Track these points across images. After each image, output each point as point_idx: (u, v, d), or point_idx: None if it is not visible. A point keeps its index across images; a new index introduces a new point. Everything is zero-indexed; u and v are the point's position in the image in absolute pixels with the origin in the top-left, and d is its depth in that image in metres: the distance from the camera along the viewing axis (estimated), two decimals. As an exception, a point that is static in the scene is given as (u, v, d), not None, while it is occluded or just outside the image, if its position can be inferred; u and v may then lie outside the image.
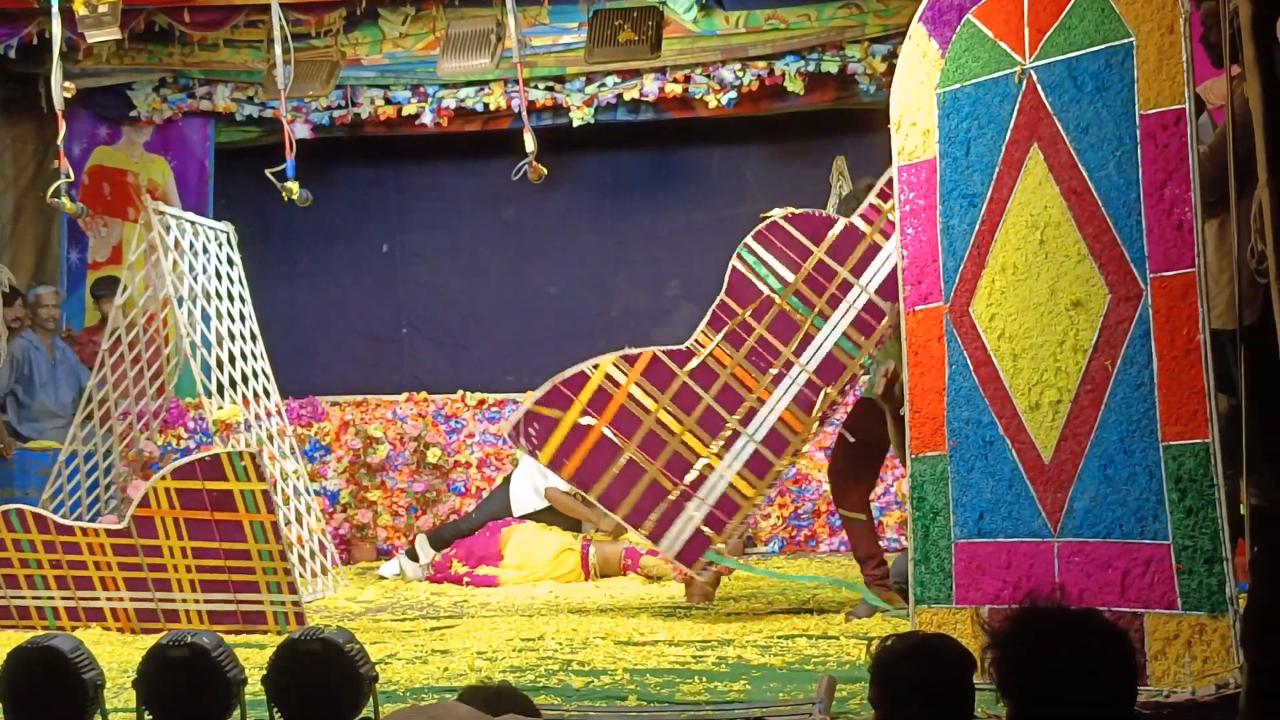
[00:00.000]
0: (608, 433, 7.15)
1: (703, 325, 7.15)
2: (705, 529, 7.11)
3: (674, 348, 7.14)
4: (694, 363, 7.13)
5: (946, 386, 5.43)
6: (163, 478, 7.50)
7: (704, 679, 5.68)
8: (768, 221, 7.10)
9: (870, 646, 3.23)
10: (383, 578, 9.50)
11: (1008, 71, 5.28)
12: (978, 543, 5.32)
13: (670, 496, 7.12)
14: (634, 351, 7.20)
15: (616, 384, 7.14)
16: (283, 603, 7.33)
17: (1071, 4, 5.10)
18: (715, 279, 10.98)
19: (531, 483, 9.47)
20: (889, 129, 5.72)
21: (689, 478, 7.11)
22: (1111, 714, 2.69)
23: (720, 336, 7.13)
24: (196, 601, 7.42)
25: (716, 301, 7.15)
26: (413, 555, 9.54)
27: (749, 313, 7.13)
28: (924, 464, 5.50)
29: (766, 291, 7.12)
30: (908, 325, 5.60)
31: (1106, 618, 2.81)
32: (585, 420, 7.16)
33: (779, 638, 6.63)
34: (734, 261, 7.14)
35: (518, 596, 8.63)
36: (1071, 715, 2.68)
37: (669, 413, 7.13)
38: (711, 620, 7.24)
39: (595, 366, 7.15)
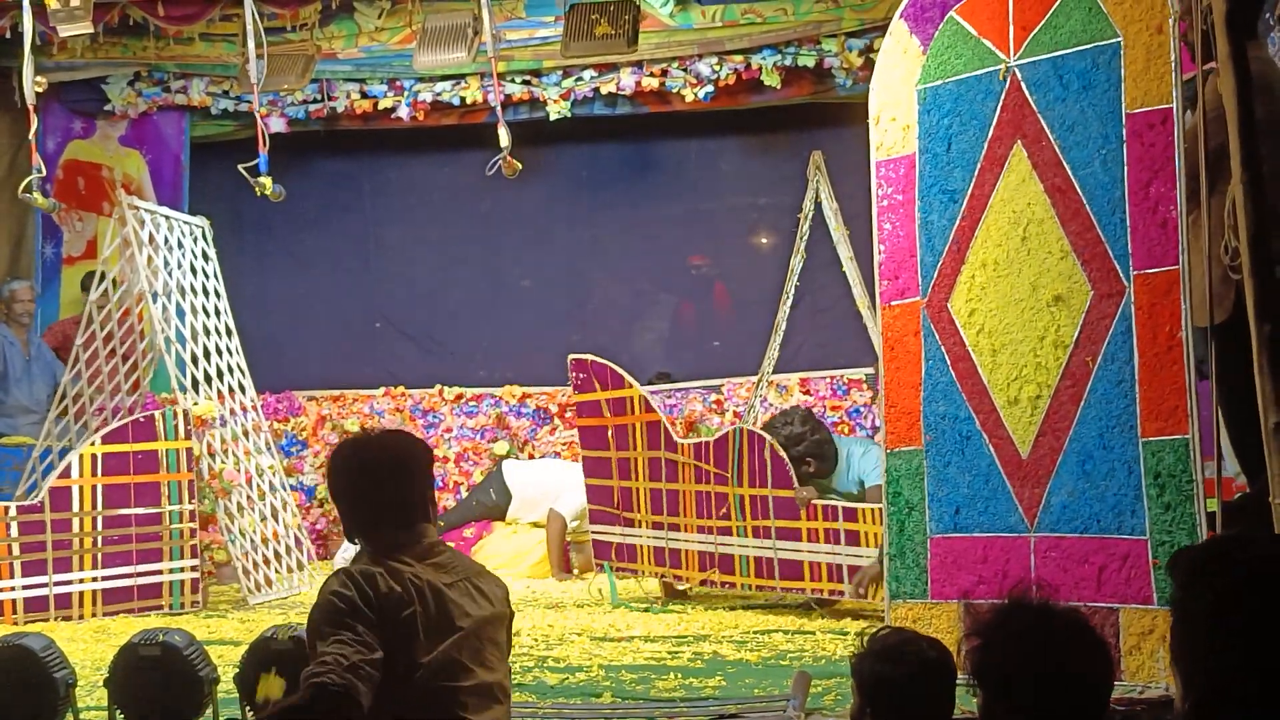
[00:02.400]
0: (610, 431, 8.05)
1: (692, 440, 7.77)
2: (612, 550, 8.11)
3: (672, 431, 7.83)
4: (668, 453, 7.74)
5: (923, 381, 5.43)
6: (92, 443, 7.78)
7: (679, 675, 5.68)
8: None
9: (863, 640, 3.23)
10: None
11: (992, 69, 5.28)
12: (953, 538, 5.32)
13: (611, 509, 8.08)
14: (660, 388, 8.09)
15: (633, 410, 7.95)
16: (181, 569, 7.72)
17: (1058, 3, 5.11)
18: (692, 272, 11.05)
19: (543, 491, 9.38)
20: (866, 123, 5.72)
21: (627, 514, 7.99)
22: (1082, 716, 2.69)
23: (693, 460, 7.61)
24: (95, 580, 7.62)
25: (737, 436, 7.49)
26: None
27: (733, 474, 7.45)
28: (900, 459, 5.50)
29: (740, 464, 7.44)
30: (884, 320, 5.60)
31: (1090, 621, 2.81)
32: (605, 408, 8.10)
33: (755, 633, 6.63)
34: (768, 443, 7.39)
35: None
36: (1041, 711, 2.68)
37: (642, 464, 7.90)
38: (687, 616, 7.24)
39: (630, 385, 8.00)
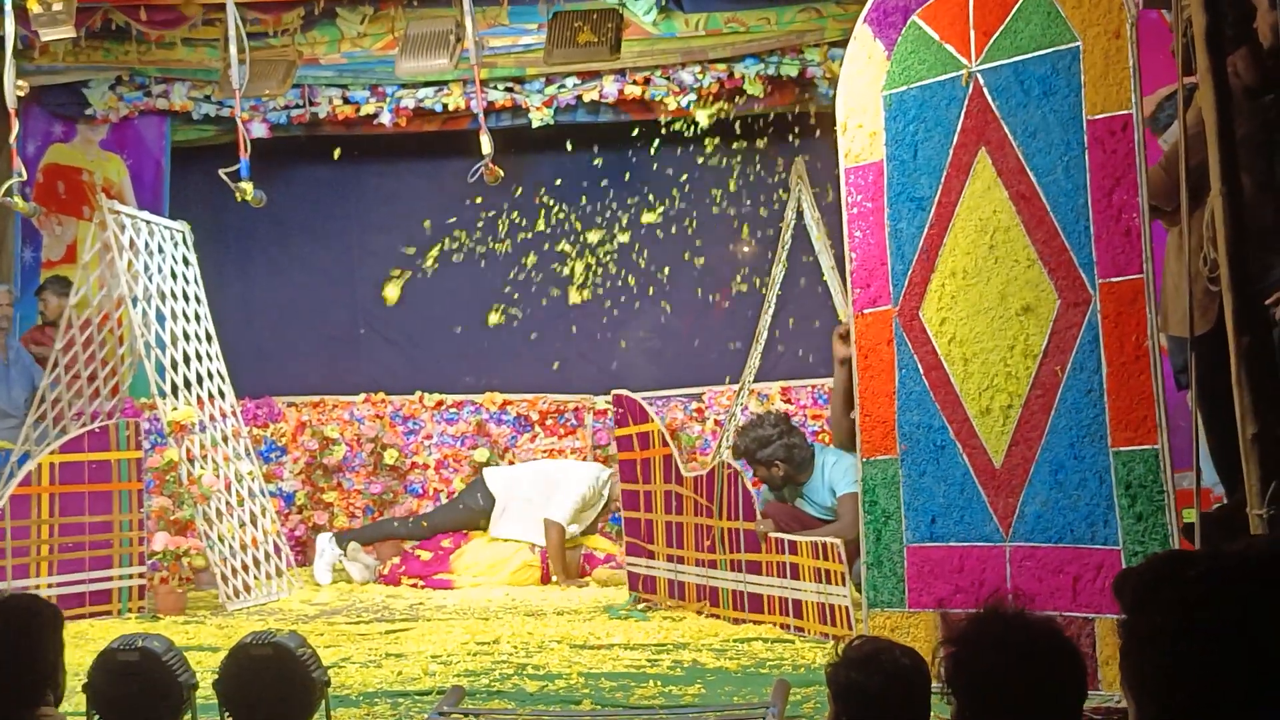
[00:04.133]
0: (637, 465, 8.11)
1: (693, 473, 7.67)
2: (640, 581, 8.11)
3: (682, 466, 7.75)
4: (676, 486, 7.71)
5: (897, 390, 5.45)
6: (51, 451, 8.02)
7: (659, 683, 5.68)
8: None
9: (838, 648, 3.25)
10: (319, 585, 9.39)
11: (954, 74, 5.29)
12: (929, 547, 5.33)
13: (640, 541, 8.09)
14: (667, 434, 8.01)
15: (653, 444, 7.95)
16: (129, 575, 8.10)
17: (1017, 7, 5.10)
18: (674, 279, 11.05)
19: (531, 508, 9.37)
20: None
21: (649, 546, 8.00)
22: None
23: (692, 492, 7.55)
24: (50, 586, 7.82)
25: (721, 469, 7.46)
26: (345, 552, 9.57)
27: (718, 507, 7.41)
28: (875, 468, 5.52)
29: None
30: (857, 328, 5.61)
31: (1063, 630, 2.83)
32: (635, 442, 8.15)
33: (734, 641, 6.64)
34: (742, 473, 7.41)
35: (474, 599, 8.61)
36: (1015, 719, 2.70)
37: (659, 496, 7.90)
38: (667, 624, 7.24)
39: (651, 420, 8.02)
